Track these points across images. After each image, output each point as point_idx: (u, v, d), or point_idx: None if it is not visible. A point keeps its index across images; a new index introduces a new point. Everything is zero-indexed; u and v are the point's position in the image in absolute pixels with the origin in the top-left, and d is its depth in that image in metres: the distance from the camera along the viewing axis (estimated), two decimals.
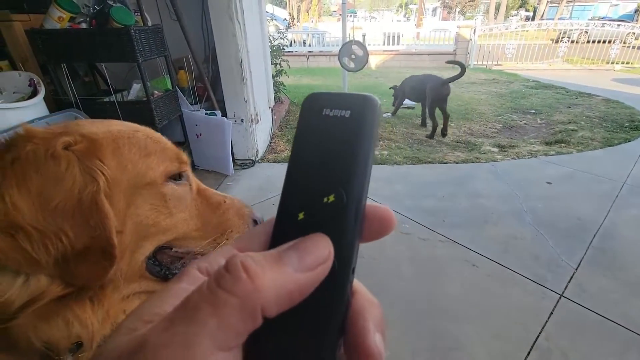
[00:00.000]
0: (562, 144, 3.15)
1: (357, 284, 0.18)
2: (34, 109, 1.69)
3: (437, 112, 3.36)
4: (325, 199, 0.17)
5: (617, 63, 8.02)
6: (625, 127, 3.53)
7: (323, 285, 0.16)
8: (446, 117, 3.33)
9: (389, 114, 4.23)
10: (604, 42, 8.29)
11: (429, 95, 3.33)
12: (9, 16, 1.93)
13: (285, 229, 0.17)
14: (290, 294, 0.15)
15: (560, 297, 1.44)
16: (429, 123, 3.49)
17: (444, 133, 3.39)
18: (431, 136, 3.37)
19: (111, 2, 1.87)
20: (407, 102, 4.79)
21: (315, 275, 0.15)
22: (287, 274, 0.15)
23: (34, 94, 1.73)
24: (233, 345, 0.14)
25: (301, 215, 0.17)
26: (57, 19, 1.79)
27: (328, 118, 0.18)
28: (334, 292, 0.16)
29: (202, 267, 0.17)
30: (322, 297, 0.16)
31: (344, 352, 0.16)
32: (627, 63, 8.00)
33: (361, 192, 0.17)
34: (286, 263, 0.15)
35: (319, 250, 0.16)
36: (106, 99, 2.06)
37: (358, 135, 0.17)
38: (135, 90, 2.13)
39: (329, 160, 0.17)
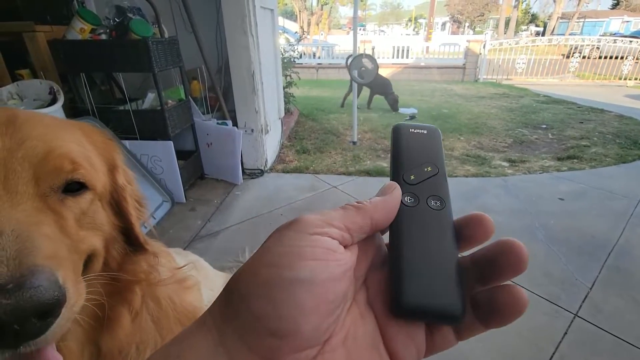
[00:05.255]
0: (575, 160, 3.11)
1: None
2: None
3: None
4: (425, 168, 0.28)
5: (629, 79, 7.95)
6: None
7: (441, 212, 0.26)
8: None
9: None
10: (616, 58, 8.23)
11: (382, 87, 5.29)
12: (32, 27, 2.00)
13: (406, 185, 0.27)
14: (385, 206, 0.25)
15: (574, 317, 1.40)
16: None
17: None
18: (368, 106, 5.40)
19: (131, 15, 1.93)
20: (410, 110, 4.82)
21: (394, 196, 0.25)
22: (377, 199, 0.25)
23: (53, 101, 1.79)
24: (350, 226, 0.23)
25: (412, 177, 0.28)
26: (79, 30, 1.86)
27: (414, 133, 0.31)
28: (447, 213, 0.26)
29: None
30: (442, 218, 0.25)
31: (464, 234, 0.25)
32: None
33: (444, 164, 0.29)
34: (375, 197, 0.25)
35: (390, 185, 0.26)
36: (121, 108, 2.11)
37: (434, 142, 0.30)
38: (150, 99, 2.18)
39: (422, 150, 0.30)
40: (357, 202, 0.24)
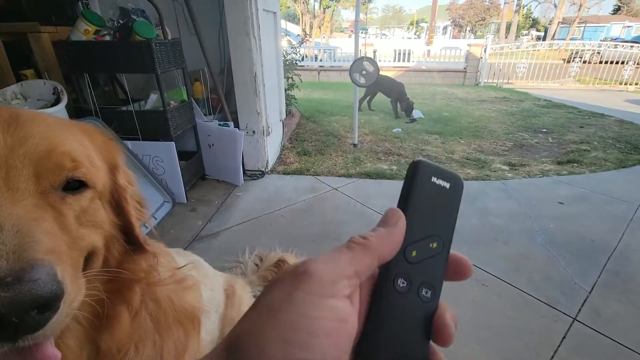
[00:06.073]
0: (575, 164, 3.11)
1: None
2: None
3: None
4: (430, 245, 0.26)
5: (630, 84, 7.96)
6: None
7: (427, 304, 0.25)
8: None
9: (399, 129, 4.25)
10: (617, 62, 8.25)
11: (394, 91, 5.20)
12: (38, 28, 2.02)
13: (404, 263, 0.25)
14: (390, 239, 0.24)
15: (573, 321, 1.40)
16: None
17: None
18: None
19: (134, 17, 1.95)
20: (416, 114, 4.82)
21: (398, 228, 0.25)
22: (381, 232, 0.25)
23: (57, 101, 1.80)
24: (360, 270, 0.23)
25: (414, 253, 0.25)
26: (84, 31, 1.88)
27: (435, 185, 0.27)
28: (433, 305, 0.25)
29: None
30: (426, 311, 0.25)
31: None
32: None
33: (451, 241, 0.27)
34: (379, 228, 0.25)
35: (394, 214, 0.26)
36: (124, 108, 2.12)
37: (453, 205, 0.28)
38: (153, 100, 2.19)
39: (436, 213, 0.27)
40: (363, 238, 0.24)
